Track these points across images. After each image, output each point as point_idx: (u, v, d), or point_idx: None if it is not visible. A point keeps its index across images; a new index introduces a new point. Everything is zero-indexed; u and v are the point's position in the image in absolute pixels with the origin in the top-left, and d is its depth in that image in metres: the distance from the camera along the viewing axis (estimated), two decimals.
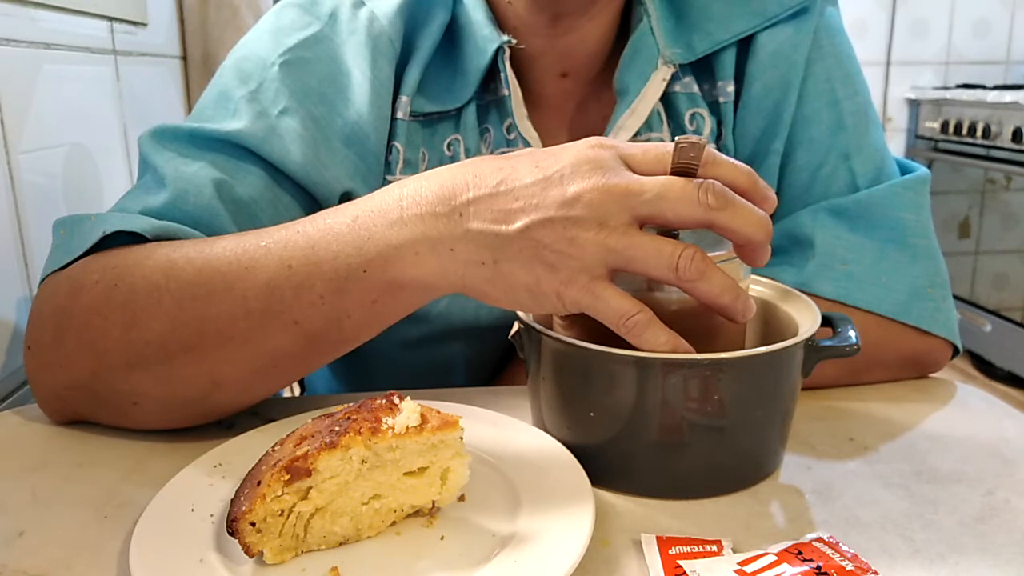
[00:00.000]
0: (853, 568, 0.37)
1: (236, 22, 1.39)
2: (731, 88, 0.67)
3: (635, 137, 0.66)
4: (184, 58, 1.38)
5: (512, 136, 0.67)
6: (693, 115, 0.67)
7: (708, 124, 0.68)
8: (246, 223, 0.58)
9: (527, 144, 0.66)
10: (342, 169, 0.63)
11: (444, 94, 0.66)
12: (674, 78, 0.67)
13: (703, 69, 0.68)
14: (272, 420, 0.53)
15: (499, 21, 0.66)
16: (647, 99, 0.66)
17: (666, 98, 0.68)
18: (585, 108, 0.71)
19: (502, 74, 0.65)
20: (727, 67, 0.67)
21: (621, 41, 0.69)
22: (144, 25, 1.16)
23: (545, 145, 0.67)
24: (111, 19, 1.00)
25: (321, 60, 0.63)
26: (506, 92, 0.66)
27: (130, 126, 1.03)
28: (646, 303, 0.44)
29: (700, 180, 0.43)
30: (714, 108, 0.68)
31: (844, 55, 0.67)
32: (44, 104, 0.78)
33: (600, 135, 0.67)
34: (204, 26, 1.37)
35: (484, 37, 0.65)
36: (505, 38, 0.64)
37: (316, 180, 0.61)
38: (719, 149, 0.68)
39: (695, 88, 0.68)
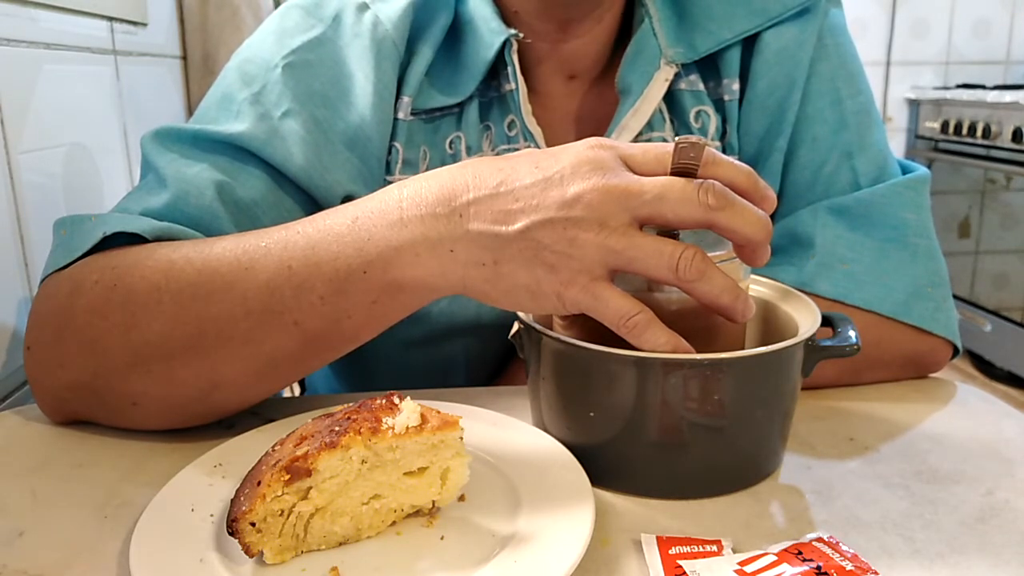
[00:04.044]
0: (853, 568, 0.37)
1: (236, 22, 1.39)
2: (736, 86, 0.67)
3: (637, 137, 0.66)
4: (184, 58, 1.38)
5: (513, 133, 0.67)
6: (698, 112, 0.68)
7: (713, 122, 0.68)
8: (247, 225, 0.58)
9: (529, 140, 0.66)
10: (344, 172, 0.63)
11: (447, 88, 0.67)
12: (678, 76, 0.67)
13: (708, 67, 0.68)
14: (272, 420, 0.53)
15: (507, 21, 0.66)
16: (650, 99, 0.66)
17: (670, 96, 0.68)
18: (588, 107, 0.71)
19: (508, 68, 0.65)
20: (732, 65, 0.67)
21: (623, 40, 0.69)
22: (144, 25, 1.16)
23: (548, 142, 0.67)
24: (111, 19, 1.00)
25: (324, 63, 0.63)
26: (511, 87, 0.66)
27: (130, 126, 1.03)
28: (646, 303, 0.44)
29: (700, 180, 0.43)
30: (719, 106, 0.68)
31: (848, 55, 0.67)
32: (44, 104, 0.78)
33: (603, 135, 0.67)
34: (204, 26, 1.37)
35: (491, 30, 0.65)
36: (513, 31, 0.64)
37: (318, 183, 0.61)
38: (724, 147, 0.69)
39: (700, 86, 0.68)
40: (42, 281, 0.55)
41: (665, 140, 0.67)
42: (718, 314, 0.46)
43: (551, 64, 0.68)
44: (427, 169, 0.66)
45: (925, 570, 0.40)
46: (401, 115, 0.65)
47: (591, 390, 0.46)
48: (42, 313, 0.54)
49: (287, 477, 0.39)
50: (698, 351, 0.44)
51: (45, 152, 0.79)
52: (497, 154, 0.67)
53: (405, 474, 0.42)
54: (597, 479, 0.45)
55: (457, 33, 0.67)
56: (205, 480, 0.45)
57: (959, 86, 2.76)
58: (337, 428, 0.41)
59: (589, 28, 0.67)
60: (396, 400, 0.42)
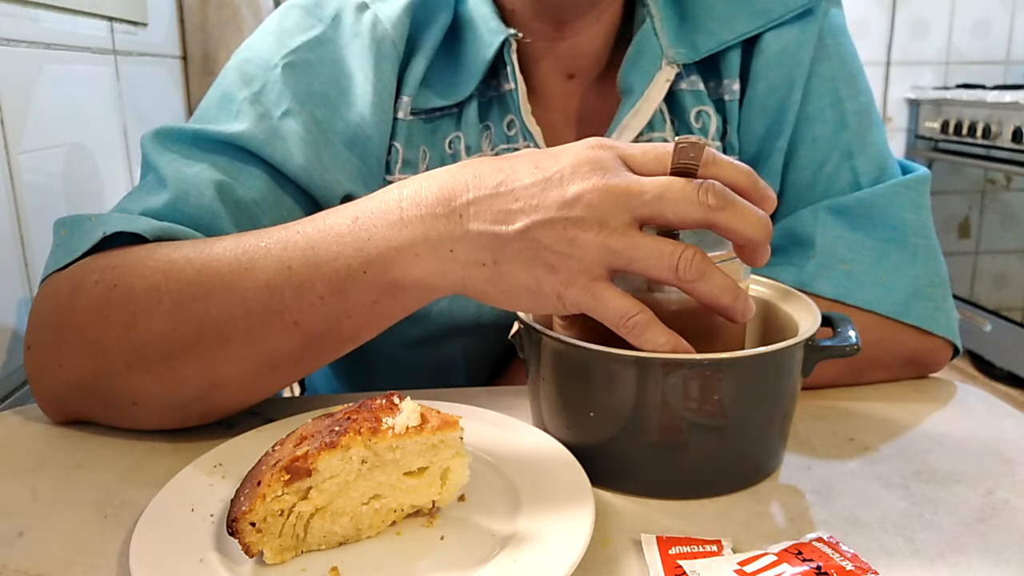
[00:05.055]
0: (853, 568, 0.37)
1: (236, 22, 1.39)
2: (736, 86, 0.67)
3: (638, 137, 0.66)
4: (184, 58, 1.38)
5: (512, 132, 0.67)
6: (699, 113, 0.68)
7: (714, 122, 0.68)
8: (247, 225, 0.58)
9: (528, 139, 0.66)
10: (344, 172, 0.63)
11: (446, 89, 0.67)
12: (679, 77, 0.67)
13: (709, 67, 0.68)
14: (272, 420, 0.53)
15: (505, 20, 0.66)
16: (651, 99, 0.66)
17: (671, 96, 0.68)
18: (588, 107, 0.71)
19: (508, 67, 0.65)
20: (733, 66, 0.67)
21: (624, 41, 0.69)
22: (144, 25, 1.16)
23: (548, 141, 0.67)
24: (111, 19, 1.00)
25: (324, 62, 0.64)
26: (510, 86, 0.66)
27: (130, 126, 1.03)
28: (646, 303, 0.44)
29: (700, 180, 0.43)
30: (720, 106, 0.68)
31: (848, 55, 0.67)
32: (44, 104, 0.78)
33: (603, 135, 0.67)
34: (204, 26, 1.37)
35: (490, 30, 0.65)
36: (512, 31, 0.64)
37: (318, 183, 0.61)
38: (724, 147, 0.69)
39: (701, 86, 0.68)
40: (42, 281, 0.55)
41: (666, 140, 0.67)
42: (718, 314, 0.46)
43: (549, 63, 0.68)
44: (427, 169, 0.66)
45: (925, 570, 0.40)
46: (401, 115, 0.65)
47: (591, 390, 0.46)
48: (42, 313, 0.54)
49: (287, 477, 0.39)
50: (698, 351, 0.44)
51: (45, 152, 0.79)
52: (496, 154, 0.67)
53: (405, 474, 0.42)
54: (597, 479, 0.45)
55: (457, 33, 0.67)
56: (205, 480, 0.45)
57: (959, 86, 2.76)
58: (337, 428, 0.41)
59: (586, 27, 0.67)
60: (396, 400, 0.42)
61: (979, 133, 2.51)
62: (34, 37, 0.78)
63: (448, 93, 0.66)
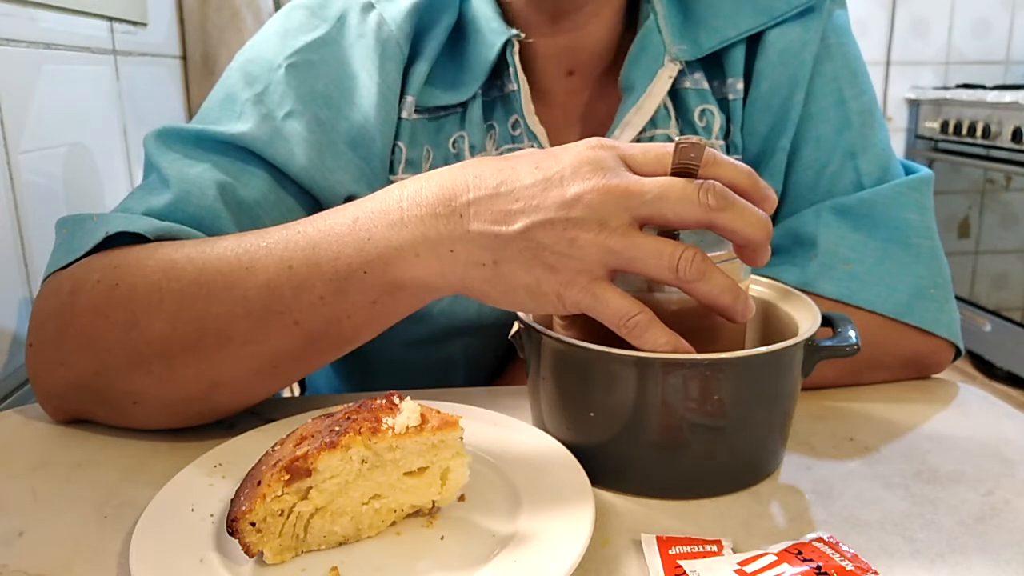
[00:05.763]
0: (853, 568, 0.37)
1: (236, 22, 1.39)
2: (740, 85, 0.67)
3: (641, 134, 0.66)
4: (184, 58, 1.38)
5: (517, 132, 0.67)
6: (703, 111, 0.68)
7: (718, 120, 0.68)
8: (249, 225, 0.58)
9: (533, 139, 0.66)
10: (347, 173, 0.63)
11: (450, 87, 0.67)
12: (684, 75, 0.67)
13: (713, 66, 0.68)
14: (272, 420, 0.53)
15: (505, 18, 0.66)
16: (653, 96, 0.66)
17: (675, 94, 0.68)
18: (592, 105, 0.71)
19: (511, 68, 0.65)
20: (737, 64, 0.67)
21: (627, 38, 0.69)
22: (144, 25, 1.16)
23: (552, 141, 0.67)
24: (111, 19, 1.00)
25: (328, 63, 0.64)
26: (513, 87, 0.66)
27: (130, 126, 1.03)
28: (646, 303, 0.44)
29: (700, 181, 0.43)
30: (723, 105, 0.68)
31: (851, 55, 0.67)
32: (44, 104, 0.78)
33: (605, 132, 0.67)
34: (204, 26, 1.37)
35: (493, 30, 0.65)
36: (514, 31, 0.64)
37: (320, 184, 0.61)
38: (728, 146, 0.69)
39: (704, 84, 0.68)
40: (44, 280, 0.55)
41: (669, 137, 0.67)
42: (718, 314, 0.46)
43: (549, 59, 0.68)
44: (430, 168, 0.66)
45: (925, 570, 0.40)
46: (405, 114, 0.66)
47: (591, 390, 0.46)
48: (44, 311, 0.54)
49: (287, 477, 0.39)
50: (698, 351, 0.44)
51: (45, 152, 0.79)
52: (501, 154, 0.67)
53: (405, 474, 0.42)
54: (597, 479, 0.45)
55: (461, 32, 0.67)
56: (205, 480, 0.45)
57: (959, 86, 2.76)
58: (337, 428, 0.41)
59: (583, 22, 0.67)
60: (396, 400, 0.42)
61: (979, 133, 2.51)
62: (34, 37, 0.78)
63: (452, 92, 0.66)
